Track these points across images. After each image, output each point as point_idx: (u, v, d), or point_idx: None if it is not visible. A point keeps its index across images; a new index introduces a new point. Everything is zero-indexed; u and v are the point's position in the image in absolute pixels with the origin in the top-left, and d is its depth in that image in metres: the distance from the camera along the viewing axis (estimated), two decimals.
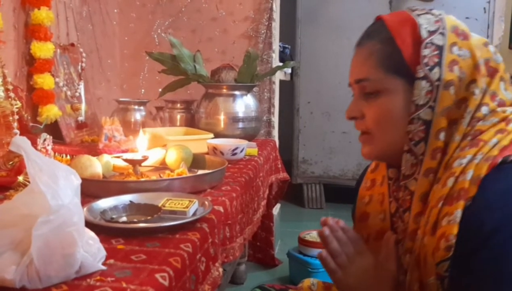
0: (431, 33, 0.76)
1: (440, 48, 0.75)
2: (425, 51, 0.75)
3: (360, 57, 0.83)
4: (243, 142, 1.53)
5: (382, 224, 0.88)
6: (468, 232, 0.67)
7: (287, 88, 3.11)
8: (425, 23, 0.77)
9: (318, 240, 2.22)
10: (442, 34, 0.76)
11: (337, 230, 0.84)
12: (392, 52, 0.78)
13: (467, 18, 2.86)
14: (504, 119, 0.74)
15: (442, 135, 0.75)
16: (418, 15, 0.79)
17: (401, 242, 0.82)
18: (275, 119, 2.38)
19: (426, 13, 0.79)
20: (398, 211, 0.84)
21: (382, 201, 0.90)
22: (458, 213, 0.67)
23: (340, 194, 3.27)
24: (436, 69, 0.75)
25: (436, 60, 0.75)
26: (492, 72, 0.77)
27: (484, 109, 0.75)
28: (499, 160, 0.69)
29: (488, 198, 0.67)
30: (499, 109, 0.75)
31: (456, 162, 0.72)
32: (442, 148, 0.75)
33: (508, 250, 0.64)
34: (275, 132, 2.38)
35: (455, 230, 0.67)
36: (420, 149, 0.77)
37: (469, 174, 0.69)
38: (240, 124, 1.80)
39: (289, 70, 3.03)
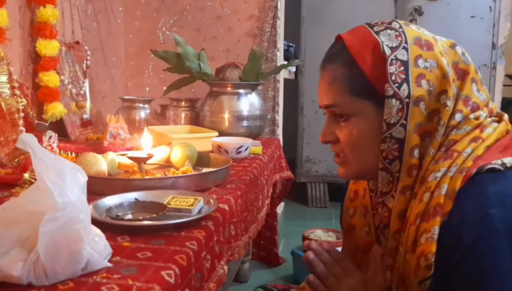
0: (394, 49, 0.74)
1: (405, 63, 0.74)
2: (391, 68, 0.73)
3: (325, 83, 0.81)
4: (248, 141, 1.53)
5: (367, 237, 0.88)
6: (446, 249, 0.66)
7: (292, 86, 3.10)
8: (386, 40, 0.75)
9: (322, 238, 2.23)
10: (405, 48, 0.75)
11: (321, 252, 0.84)
12: (356, 75, 0.76)
13: (472, 17, 2.85)
14: (477, 126, 0.74)
15: (416, 152, 0.74)
16: (378, 32, 0.77)
17: (383, 257, 0.81)
18: (280, 117, 2.38)
19: (386, 28, 0.77)
20: (380, 225, 0.84)
21: (365, 213, 0.90)
22: (436, 230, 0.67)
23: (344, 193, 3.26)
24: (404, 86, 0.73)
25: (403, 76, 0.73)
26: (463, 75, 0.75)
27: (457, 117, 0.74)
28: (474, 171, 0.68)
29: (464, 213, 0.66)
30: (471, 116, 0.74)
31: (431, 176, 0.71)
32: (417, 164, 0.74)
33: (487, 265, 0.64)
34: (279, 131, 2.38)
35: (433, 247, 0.67)
36: (395, 167, 0.76)
37: (444, 188, 0.68)
38: (245, 123, 1.80)
39: (293, 69, 3.03)
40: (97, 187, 0.99)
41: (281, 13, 2.34)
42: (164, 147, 1.32)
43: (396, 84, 0.73)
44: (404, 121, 0.74)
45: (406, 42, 0.75)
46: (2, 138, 1.23)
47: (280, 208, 2.48)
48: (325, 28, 3.10)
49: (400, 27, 0.77)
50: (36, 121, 1.47)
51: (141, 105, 1.93)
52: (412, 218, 0.72)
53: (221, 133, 1.64)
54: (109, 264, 0.65)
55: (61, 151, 1.27)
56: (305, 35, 3.13)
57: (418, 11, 2.92)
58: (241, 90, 1.82)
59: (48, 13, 1.60)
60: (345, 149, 0.81)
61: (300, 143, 3.22)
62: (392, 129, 0.74)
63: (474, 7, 2.86)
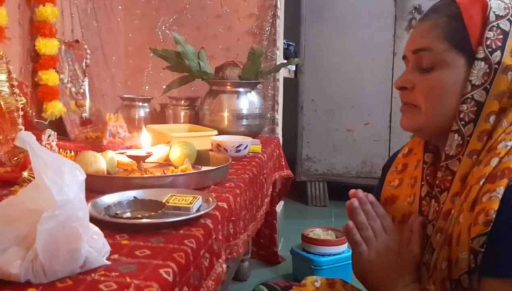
0: (499, 17, 0.76)
1: (505, 33, 0.75)
2: (490, 34, 0.75)
3: (423, 28, 0.81)
4: (247, 139, 1.53)
5: (409, 207, 0.88)
6: (509, 211, 0.66)
7: (291, 85, 3.10)
8: (495, 7, 0.77)
9: (322, 237, 2.23)
10: (510, 21, 0.76)
11: (366, 202, 0.84)
12: (458, 28, 0.77)
13: None
14: None
15: (492, 119, 0.75)
16: None
17: (431, 222, 0.81)
18: (279, 116, 2.38)
19: None
20: (428, 195, 0.84)
21: (413, 184, 0.89)
22: (501, 190, 0.67)
23: (344, 191, 3.25)
24: (497, 53, 0.75)
25: (499, 44, 0.75)
26: None
27: None
28: None
29: None
30: None
31: (501, 144, 0.72)
32: (489, 132, 0.75)
33: None
34: (279, 130, 2.39)
35: (496, 205, 0.66)
36: (468, 129, 0.76)
37: None
38: (244, 122, 1.80)
39: (293, 68, 3.03)
40: (96, 185, 0.99)
41: (280, 12, 2.34)
42: (164, 145, 1.32)
43: (490, 49, 0.75)
44: (488, 86, 0.75)
45: None
46: (1, 137, 1.23)
47: (279, 207, 2.48)
48: (325, 27, 3.10)
49: (510, 2, 0.79)
50: (36, 120, 1.47)
51: (140, 104, 1.93)
52: (474, 180, 0.72)
53: (221, 132, 1.65)
54: (108, 262, 0.65)
55: (61, 150, 1.27)
56: (305, 34, 3.12)
57: (418, 9, 2.92)
58: (241, 89, 1.82)
59: (47, 11, 1.60)
60: (421, 98, 0.81)
61: (300, 142, 3.22)
62: (475, 90, 0.75)
63: None
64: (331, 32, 3.09)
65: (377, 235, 0.82)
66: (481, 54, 0.75)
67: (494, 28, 0.76)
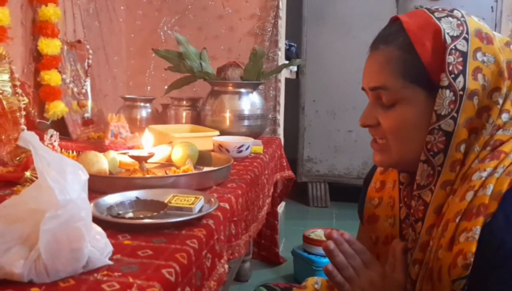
0: (455, 38, 0.72)
1: (464, 54, 0.71)
2: (450, 58, 0.71)
3: (376, 63, 0.78)
4: (249, 140, 1.53)
5: (391, 229, 0.87)
6: (487, 251, 0.64)
7: (293, 86, 3.10)
8: (447, 28, 0.73)
9: (323, 238, 2.23)
10: (466, 39, 0.72)
11: (342, 243, 0.82)
12: (412, 60, 0.74)
13: None
14: None
15: (462, 148, 0.72)
16: (439, 18, 0.74)
17: (409, 251, 0.80)
18: (281, 117, 2.38)
19: (447, 15, 0.74)
20: (408, 218, 0.83)
21: (392, 205, 0.88)
22: (477, 230, 0.65)
23: (345, 192, 3.26)
24: (460, 78, 0.71)
25: (460, 67, 0.71)
26: None
27: (504, 117, 0.72)
28: None
29: (509, 215, 0.64)
30: None
31: (475, 175, 0.69)
32: (461, 160, 0.73)
33: None
34: (281, 131, 2.38)
35: (473, 247, 0.65)
36: (438, 160, 0.74)
37: (489, 189, 0.66)
38: (246, 122, 1.80)
39: (295, 69, 3.03)
40: (98, 185, 0.99)
41: (282, 13, 2.34)
42: (165, 145, 1.32)
43: (453, 75, 0.71)
44: (455, 114, 0.71)
45: (467, 33, 0.73)
46: (3, 137, 1.23)
47: (281, 208, 2.48)
48: (327, 28, 3.10)
49: (462, 16, 0.74)
50: (38, 120, 1.47)
51: (142, 104, 1.94)
52: (451, 215, 0.70)
53: (222, 133, 1.65)
54: (110, 262, 0.65)
55: (63, 150, 1.27)
56: (307, 34, 3.12)
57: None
58: (243, 90, 1.82)
59: (50, 11, 1.60)
60: (387, 135, 0.79)
61: (301, 143, 3.22)
62: (442, 121, 0.72)
63: (475, 7, 2.86)
64: (332, 33, 3.09)
65: (358, 272, 0.80)
66: (445, 82, 0.71)
67: (453, 51, 0.71)
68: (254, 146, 1.59)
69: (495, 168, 0.68)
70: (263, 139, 1.88)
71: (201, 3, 2.36)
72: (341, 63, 3.09)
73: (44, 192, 0.59)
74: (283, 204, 2.72)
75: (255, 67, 1.84)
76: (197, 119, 1.92)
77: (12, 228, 0.60)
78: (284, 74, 2.45)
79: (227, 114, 1.79)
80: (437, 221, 0.74)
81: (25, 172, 1.04)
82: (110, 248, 0.68)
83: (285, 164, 2.00)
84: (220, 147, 1.46)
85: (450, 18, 0.74)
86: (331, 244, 0.82)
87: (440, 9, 0.76)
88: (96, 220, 0.73)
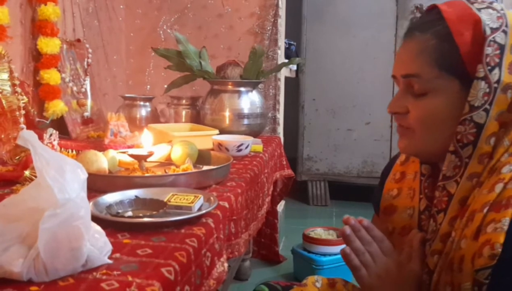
0: (494, 30, 0.72)
1: (501, 47, 0.71)
2: (488, 50, 0.71)
3: (411, 51, 0.77)
4: (248, 139, 1.53)
5: (409, 220, 0.87)
6: None
7: (292, 85, 3.10)
8: (487, 19, 0.72)
9: (323, 237, 2.23)
10: (504, 32, 0.72)
11: (359, 229, 0.81)
12: (449, 50, 0.73)
13: None
14: None
15: (492, 141, 0.72)
16: (479, 9, 0.73)
17: (428, 242, 0.80)
18: (280, 116, 2.38)
19: (487, 7, 0.74)
20: (427, 209, 0.82)
21: (412, 196, 0.87)
22: (506, 221, 0.65)
23: (345, 191, 3.27)
24: (496, 70, 0.71)
25: (497, 60, 0.71)
26: None
27: None
28: None
29: None
30: None
31: (505, 168, 0.69)
32: (490, 153, 0.72)
33: None
34: (280, 129, 2.38)
35: (501, 238, 0.64)
36: (466, 151, 0.73)
37: None
38: (245, 121, 1.80)
39: (294, 67, 3.03)
40: (98, 184, 0.99)
41: (282, 11, 2.34)
42: (165, 144, 1.32)
43: (489, 67, 0.71)
44: (488, 107, 0.71)
45: (506, 26, 0.72)
46: (3, 136, 1.23)
47: (280, 206, 2.48)
48: (327, 27, 3.10)
49: (502, 9, 0.74)
50: (37, 119, 1.47)
51: (142, 103, 1.94)
52: (477, 205, 0.70)
53: (222, 132, 1.65)
54: (109, 261, 0.65)
55: (62, 149, 1.27)
56: (306, 33, 3.12)
57: (420, 9, 2.92)
58: (242, 89, 1.82)
59: (49, 10, 1.60)
60: (415, 124, 0.78)
61: (301, 142, 3.22)
62: (475, 112, 0.72)
63: None
64: (332, 31, 3.09)
65: (375, 258, 0.80)
66: (481, 73, 0.71)
67: (492, 43, 0.71)
68: (254, 144, 1.59)
69: None
70: (263, 138, 1.88)
71: (200, 2, 2.36)
72: (340, 62, 3.09)
73: (43, 191, 0.59)
74: (283, 202, 2.73)
75: (254, 66, 1.84)
76: (197, 118, 1.92)
77: (11, 226, 0.60)
78: (284, 73, 2.45)
79: (227, 113, 1.79)
80: (460, 212, 0.74)
81: (25, 171, 1.04)
82: (109, 247, 0.68)
83: (284, 162, 2.00)
84: (219, 146, 1.46)
85: (490, 10, 0.74)
86: (348, 229, 0.82)
87: (479, 0, 0.76)
88: (95, 218, 0.73)
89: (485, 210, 0.68)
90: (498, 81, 0.71)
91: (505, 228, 0.65)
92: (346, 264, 0.82)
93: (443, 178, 0.77)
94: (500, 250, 0.65)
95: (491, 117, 0.71)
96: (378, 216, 0.96)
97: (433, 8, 0.78)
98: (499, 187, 0.68)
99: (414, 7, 2.94)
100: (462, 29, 0.73)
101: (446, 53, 0.73)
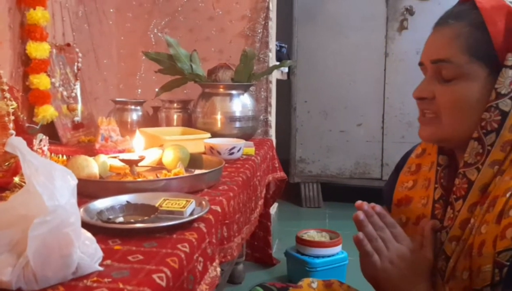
0: None
1: None
2: None
3: (443, 37, 0.79)
4: (240, 142, 1.53)
5: (423, 209, 0.87)
6: None
7: (284, 87, 3.11)
8: None
9: (316, 239, 2.23)
10: None
11: (372, 215, 0.82)
12: (481, 38, 0.75)
13: None
14: None
15: None
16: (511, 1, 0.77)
17: (445, 229, 0.81)
18: (272, 118, 2.38)
19: None
20: (442, 198, 0.84)
21: (427, 186, 0.88)
22: None
23: (338, 192, 3.27)
24: None
25: None
26: None
27: None
28: None
29: None
30: None
31: None
32: None
33: None
34: (272, 132, 2.38)
35: None
36: (489, 139, 0.75)
37: None
38: (237, 124, 1.80)
39: (286, 69, 3.03)
40: (89, 189, 0.98)
41: (273, 14, 2.34)
42: (156, 148, 1.32)
43: None
44: None
45: None
46: None
47: (273, 209, 2.48)
48: (318, 29, 3.10)
49: None
50: (27, 124, 1.45)
51: (133, 107, 1.93)
52: (499, 192, 0.71)
53: (214, 135, 1.64)
54: (100, 268, 0.64)
55: (52, 154, 1.26)
56: (298, 35, 3.13)
57: (410, 10, 2.93)
58: (234, 91, 1.82)
59: (38, 15, 1.59)
60: (442, 109, 0.79)
61: (293, 144, 3.22)
62: (501, 99, 0.74)
63: None
64: (323, 33, 3.10)
65: (387, 244, 0.80)
66: (510, 62, 0.73)
67: None
68: (246, 147, 1.59)
69: None
70: (255, 141, 1.87)
71: (191, 5, 2.35)
72: (332, 63, 3.10)
73: (32, 198, 0.59)
74: (275, 205, 2.72)
75: (246, 68, 1.84)
76: (188, 122, 1.91)
77: (0, 234, 0.60)
78: (275, 75, 2.45)
79: (218, 116, 1.79)
80: (481, 199, 0.75)
81: (14, 177, 1.03)
82: (100, 254, 0.67)
83: (277, 165, 2.00)
84: (211, 149, 1.45)
85: None
86: (361, 215, 0.82)
87: None
88: (86, 225, 0.72)
89: (508, 195, 0.69)
90: None
91: None
92: (358, 249, 0.83)
93: (464, 165, 0.78)
94: None
95: None
96: (390, 209, 0.96)
97: (466, 1, 0.80)
98: None
99: (404, 9, 2.96)
100: (495, 19, 0.75)
101: (478, 40, 0.76)
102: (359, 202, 0.84)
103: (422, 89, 0.82)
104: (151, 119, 2.01)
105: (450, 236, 0.79)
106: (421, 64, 0.84)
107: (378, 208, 0.84)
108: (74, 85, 1.86)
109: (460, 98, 0.77)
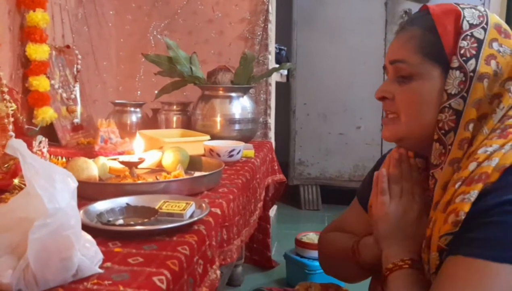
0: (473, 26, 0.77)
1: (479, 41, 0.76)
2: (463, 43, 0.76)
3: (400, 40, 0.83)
4: (240, 144, 1.53)
5: None
6: (479, 210, 0.66)
7: (283, 90, 3.11)
8: (468, 16, 0.78)
9: (315, 241, 2.23)
10: (484, 29, 0.77)
11: (405, 161, 0.85)
12: (432, 39, 0.79)
13: None
14: None
15: (471, 127, 0.75)
16: (463, 8, 0.80)
17: None
18: (272, 121, 2.38)
19: (471, 8, 0.80)
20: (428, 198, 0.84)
21: None
22: (474, 193, 0.67)
23: (337, 195, 3.27)
24: (472, 61, 0.76)
25: (473, 52, 0.76)
26: None
27: None
28: None
29: (508, 185, 0.66)
30: None
31: (481, 149, 0.72)
32: (469, 139, 0.76)
33: None
34: (272, 134, 2.38)
35: (467, 207, 0.67)
36: (449, 138, 0.77)
37: (494, 161, 0.69)
38: (237, 126, 1.80)
39: (285, 72, 3.03)
40: (88, 192, 0.98)
41: (272, 17, 2.34)
42: (156, 151, 1.32)
43: (464, 58, 0.76)
44: (465, 94, 0.76)
45: (486, 24, 0.78)
46: None
47: (272, 211, 2.48)
48: (317, 32, 3.11)
49: (485, 11, 0.81)
50: (26, 126, 1.45)
51: (132, 109, 1.93)
52: (451, 184, 0.73)
53: (213, 137, 1.64)
54: (100, 270, 0.64)
55: (52, 156, 1.26)
56: (297, 38, 3.13)
57: (408, 14, 2.94)
58: (233, 94, 1.82)
59: (38, 17, 1.59)
60: (401, 108, 0.82)
61: (293, 146, 3.22)
62: (452, 99, 0.76)
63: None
64: (322, 36, 3.10)
65: (403, 194, 0.83)
66: (455, 64, 0.76)
67: (468, 37, 0.77)
68: (245, 150, 1.59)
69: (502, 145, 0.71)
70: (254, 143, 1.88)
71: (191, 7, 2.35)
72: (331, 66, 3.11)
73: (32, 200, 0.59)
74: (275, 207, 2.72)
75: (245, 71, 1.84)
76: (188, 124, 1.91)
77: (0, 237, 0.59)
78: (275, 77, 2.45)
79: (218, 119, 1.79)
80: (442, 197, 0.76)
81: (14, 179, 1.02)
82: (100, 256, 0.67)
83: (276, 167, 2.00)
84: (211, 152, 1.45)
85: (473, 10, 0.80)
86: (397, 154, 0.86)
87: (466, 4, 0.82)
88: (86, 227, 0.72)
89: (456, 186, 0.71)
90: (474, 71, 0.75)
91: (472, 199, 0.67)
92: (375, 184, 0.86)
93: (432, 167, 0.81)
94: (463, 217, 0.67)
95: (468, 104, 0.76)
96: (366, 210, 0.97)
97: (425, 8, 0.84)
98: (472, 165, 0.71)
99: (403, 12, 2.96)
100: (445, 22, 0.79)
101: (430, 42, 0.79)
102: (402, 149, 0.87)
103: (383, 90, 0.85)
104: (150, 122, 2.01)
105: (426, 236, 0.79)
106: (384, 67, 0.87)
107: (413, 160, 0.86)
108: (74, 87, 1.86)
109: (415, 97, 0.80)
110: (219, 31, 2.34)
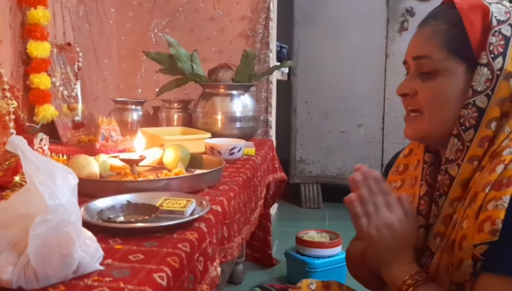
0: (500, 22, 0.76)
1: (507, 39, 0.76)
2: (492, 39, 0.75)
3: (423, 35, 0.81)
4: (241, 142, 1.52)
5: (410, 206, 0.88)
6: None
7: (285, 88, 3.10)
8: (496, 12, 0.77)
9: (316, 239, 2.23)
10: (511, 25, 0.76)
11: (369, 178, 0.82)
12: (458, 35, 0.77)
13: None
14: None
15: (493, 125, 0.75)
16: (490, 3, 0.78)
17: (431, 226, 0.81)
18: (273, 119, 2.38)
19: (497, 2, 0.79)
20: (427, 195, 0.85)
21: (413, 184, 0.89)
22: (507, 199, 0.67)
23: (338, 193, 3.26)
24: (499, 59, 0.75)
25: (501, 50, 0.75)
26: None
27: None
28: None
29: None
30: None
31: (506, 151, 0.72)
32: (490, 138, 0.75)
33: None
34: (273, 132, 2.38)
35: (502, 214, 0.67)
36: (468, 135, 0.77)
37: None
38: (238, 124, 1.80)
39: (286, 70, 3.03)
40: (89, 189, 0.98)
41: (273, 14, 2.34)
42: (157, 148, 1.32)
43: (492, 55, 0.75)
44: (490, 92, 0.75)
45: None
46: None
47: (273, 209, 2.48)
48: (318, 29, 3.10)
49: (511, 6, 0.80)
50: (27, 124, 1.45)
51: (133, 107, 1.93)
52: (479, 187, 0.72)
53: (214, 135, 1.64)
54: (101, 267, 0.64)
55: (53, 153, 1.26)
56: (298, 36, 3.13)
57: (410, 12, 2.94)
58: (234, 92, 1.82)
59: (39, 14, 1.59)
60: (423, 105, 0.81)
61: (293, 144, 3.22)
62: (477, 96, 0.76)
63: None
64: (324, 34, 3.10)
65: (378, 210, 0.80)
66: (484, 60, 0.75)
67: (496, 33, 0.76)
68: (246, 147, 1.59)
69: None
70: (255, 141, 1.87)
71: (192, 5, 2.35)
72: (332, 64, 3.10)
73: (33, 197, 0.59)
74: (275, 205, 2.72)
75: (246, 69, 1.84)
76: (189, 122, 1.91)
77: (0, 233, 0.60)
78: (276, 75, 2.45)
79: (219, 117, 1.79)
80: (463, 195, 0.76)
81: (14, 177, 1.02)
82: (100, 253, 0.67)
83: (277, 165, 2.00)
84: (212, 149, 1.45)
85: (499, 5, 0.79)
86: (358, 176, 0.82)
87: None
88: (86, 224, 0.72)
89: (487, 190, 0.70)
90: (501, 69, 0.75)
91: (506, 205, 0.67)
92: (349, 210, 0.82)
93: (445, 162, 0.80)
94: (500, 225, 0.66)
95: (492, 102, 0.75)
96: None
97: (447, 2, 0.82)
98: (500, 168, 0.71)
99: (405, 10, 2.96)
100: (472, 17, 0.77)
101: (455, 37, 0.77)
102: (358, 165, 0.84)
103: (405, 86, 0.84)
104: (151, 119, 2.01)
105: (434, 232, 0.80)
106: (405, 62, 0.86)
107: (376, 173, 0.83)
108: (75, 84, 1.86)
109: (439, 94, 0.79)
110: (220, 29, 2.34)
